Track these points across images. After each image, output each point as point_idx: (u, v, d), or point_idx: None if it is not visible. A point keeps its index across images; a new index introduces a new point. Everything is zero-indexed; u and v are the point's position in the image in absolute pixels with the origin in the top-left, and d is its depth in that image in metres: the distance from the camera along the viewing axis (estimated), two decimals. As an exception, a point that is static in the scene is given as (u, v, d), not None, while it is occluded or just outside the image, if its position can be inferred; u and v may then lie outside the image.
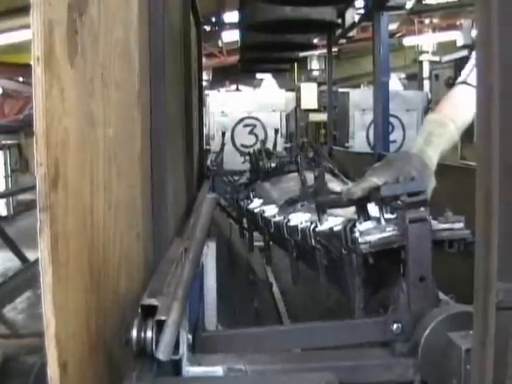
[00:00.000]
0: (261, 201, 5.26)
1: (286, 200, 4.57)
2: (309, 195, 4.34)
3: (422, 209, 2.49)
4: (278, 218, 4.33)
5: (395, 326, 2.39)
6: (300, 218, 3.82)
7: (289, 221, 3.96)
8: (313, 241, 3.42)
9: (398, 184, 2.63)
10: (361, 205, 2.84)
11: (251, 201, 5.46)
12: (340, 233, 2.87)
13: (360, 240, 2.62)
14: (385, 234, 2.59)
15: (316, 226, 3.41)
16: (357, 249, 2.66)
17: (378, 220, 2.73)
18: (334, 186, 4.93)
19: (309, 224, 3.54)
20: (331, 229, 3.15)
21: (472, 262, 1.46)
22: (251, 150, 7.85)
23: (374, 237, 2.60)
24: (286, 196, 4.75)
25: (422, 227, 2.44)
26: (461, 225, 2.58)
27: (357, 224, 2.77)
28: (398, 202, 2.56)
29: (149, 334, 1.85)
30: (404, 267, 2.49)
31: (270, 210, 4.68)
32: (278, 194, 5.31)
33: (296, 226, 3.76)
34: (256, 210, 5.01)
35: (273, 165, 6.56)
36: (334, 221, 3.24)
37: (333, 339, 2.50)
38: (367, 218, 2.79)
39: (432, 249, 2.47)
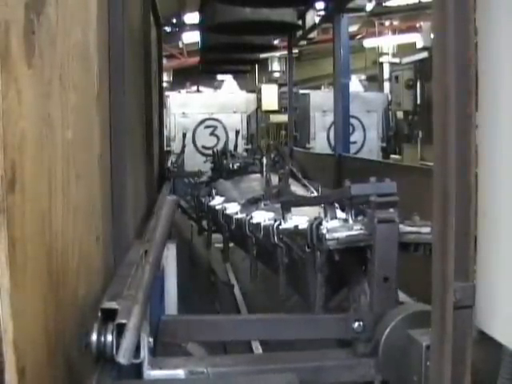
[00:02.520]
0: (222, 198, 5.27)
1: (248, 199, 4.59)
2: (273, 195, 4.37)
3: (392, 210, 2.52)
4: (240, 215, 4.35)
5: (356, 324, 2.41)
6: (263, 216, 3.84)
7: (251, 218, 3.97)
8: (275, 238, 3.43)
9: (369, 184, 2.65)
10: (329, 203, 2.87)
11: (213, 198, 5.47)
12: (305, 230, 2.89)
13: (328, 236, 2.63)
14: (353, 232, 2.61)
15: (280, 224, 3.43)
16: (323, 245, 2.68)
17: (345, 219, 2.75)
18: (296, 189, 4.97)
19: (272, 222, 3.56)
20: (296, 226, 3.17)
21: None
22: (215, 150, 7.87)
23: (341, 234, 2.62)
24: (248, 195, 4.76)
25: (390, 228, 2.46)
26: (427, 229, 2.61)
27: (323, 222, 2.79)
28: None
29: (109, 337, 1.83)
30: (368, 267, 2.52)
31: (232, 208, 4.69)
32: (241, 192, 5.33)
33: (259, 224, 3.78)
34: (218, 207, 5.02)
35: (236, 165, 6.59)
36: (298, 219, 3.26)
37: (293, 332, 2.51)
38: (334, 216, 2.81)
39: (398, 250, 2.50)
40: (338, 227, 2.69)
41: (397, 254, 2.46)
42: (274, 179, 4.90)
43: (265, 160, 5.85)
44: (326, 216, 2.84)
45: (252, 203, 4.51)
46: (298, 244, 3.09)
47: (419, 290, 2.58)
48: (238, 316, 2.72)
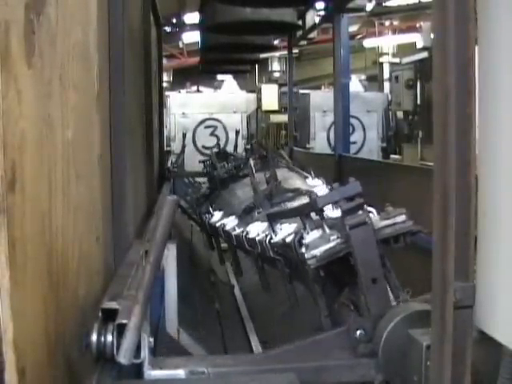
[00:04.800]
0: (221, 213, 5.17)
1: (243, 209, 4.53)
2: (263, 201, 4.31)
3: (360, 212, 2.50)
4: (237, 231, 4.28)
5: (358, 332, 2.38)
6: (257, 229, 3.79)
7: (247, 233, 3.92)
8: (271, 252, 3.41)
9: (333, 191, 2.63)
10: (304, 215, 2.85)
11: (212, 215, 5.36)
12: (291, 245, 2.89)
13: (306, 256, 2.62)
14: (330, 245, 2.58)
15: (271, 238, 3.40)
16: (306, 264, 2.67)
17: (323, 228, 2.74)
18: (294, 181, 4.89)
19: (264, 236, 3.54)
20: (284, 240, 3.15)
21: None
22: (207, 159, 7.68)
23: (319, 250, 2.59)
24: (243, 204, 4.70)
25: (364, 230, 2.44)
26: (403, 217, 2.59)
27: (304, 235, 2.77)
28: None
29: (109, 337, 1.83)
30: (355, 272, 2.50)
31: (230, 223, 4.61)
32: (236, 202, 5.24)
33: (254, 239, 3.74)
34: (217, 225, 4.94)
35: (227, 173, 6.42)
36: (286, 229, 3.23)
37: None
38: (313, 226, 2.79)
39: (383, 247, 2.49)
40: (317, 240, 2.66)
41: (378, 254, 2.44)
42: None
43: (251, 162, 5.65)
44: (305, 228, 2.82)
45: (248, 213, 4.45)
46: (290, 256, 3.08)
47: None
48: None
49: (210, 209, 5.48)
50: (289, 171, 5.50)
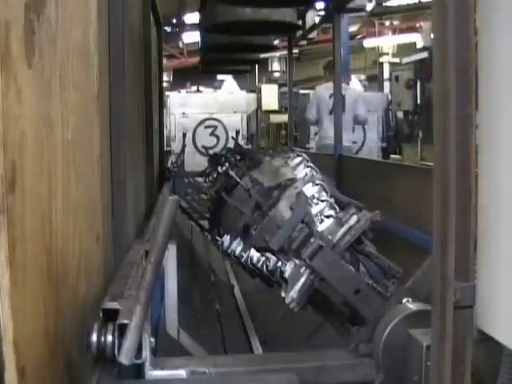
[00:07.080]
0: (228, 237, 5.07)
1: (242, 229, 4.47)
2: (253, 217, 4.26)
3: (312, 239, 2.48)
4: (245, 257, 4.24)
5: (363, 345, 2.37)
6: (256, 254, 3.77)
7: (252, 259, 3.90)
8: (273, 278, 3.42)
9: (280, 230, 2.62)
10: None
11: (222, 242, 5.25)
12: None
13: (287, 301, 2.62)
14: (301, 281, 2.57)
15: (268, 266, 3.40)
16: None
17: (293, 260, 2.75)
18: (276, 172, 4.80)
19: (261, 264, 3.54)
20: (274, 270, 3.15)
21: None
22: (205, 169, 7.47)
23: (294, 291, 2.59)
24: (243, 219, 4.63)
25: (324, 255, 2.43)
26: (355, 218, 2.58)
27: (282, 268, 2.79)
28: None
29: (110, 337, 1.83)
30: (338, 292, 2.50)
31: (238, 247, 4.56)
32: (236, 220, 5.13)
33: (257, 265, 3.74)
34: (229, 251, 4.87)
35: (219, 190, 6.25)
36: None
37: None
38: (287, 258, 2.79)
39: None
40: (293, 274, 2.66)
41: (347, 268, 2.44)
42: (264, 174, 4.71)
43: (233, 173, 5.41)
44: (282, 262, 2.83)
45: (246, 232, 4.40)
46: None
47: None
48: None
49: (218, 238, 5.34)
50: (270, 160, 5.31)
